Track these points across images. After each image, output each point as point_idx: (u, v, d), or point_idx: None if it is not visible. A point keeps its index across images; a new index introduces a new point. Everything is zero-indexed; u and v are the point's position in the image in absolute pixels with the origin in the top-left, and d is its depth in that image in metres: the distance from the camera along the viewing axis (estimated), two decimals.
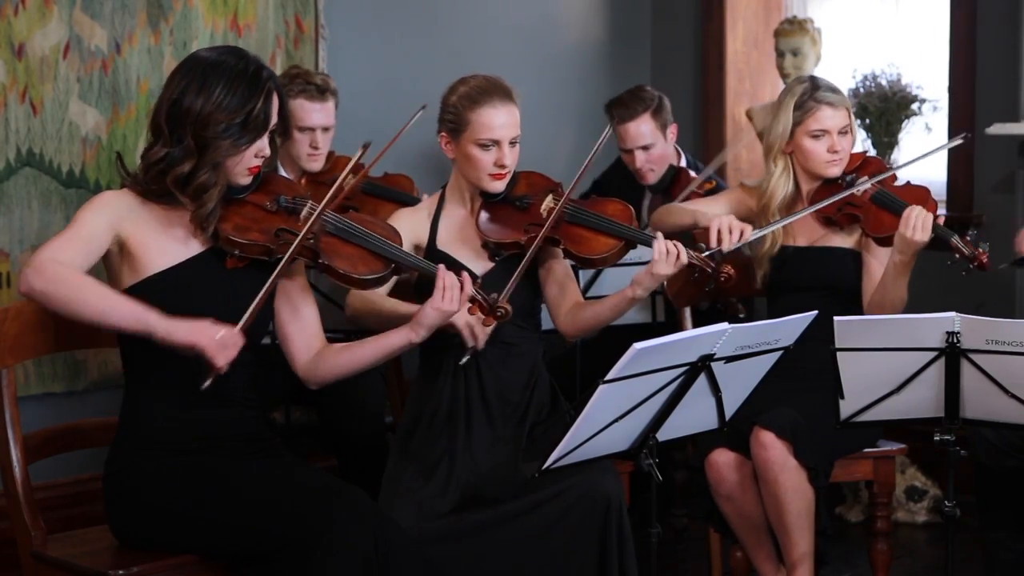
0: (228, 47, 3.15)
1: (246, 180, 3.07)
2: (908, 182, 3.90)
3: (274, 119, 3.05)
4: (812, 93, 3.90)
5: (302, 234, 3.03)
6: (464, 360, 3.34)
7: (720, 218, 3.73)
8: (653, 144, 4.65)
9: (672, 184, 4.68)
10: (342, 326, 4.12)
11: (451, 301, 3.12)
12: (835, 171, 3.89)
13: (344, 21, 4.94)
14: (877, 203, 3.80)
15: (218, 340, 2.88)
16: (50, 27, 4.18)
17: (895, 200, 3.77)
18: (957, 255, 3.67)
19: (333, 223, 3.12)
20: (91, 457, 3.36)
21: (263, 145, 3.04)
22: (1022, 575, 3.79)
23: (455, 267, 3.42)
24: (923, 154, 4.04)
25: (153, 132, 3.03)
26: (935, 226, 3.67)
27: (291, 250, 3.02)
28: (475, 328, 3.30)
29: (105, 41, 4.30)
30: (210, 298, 2.99)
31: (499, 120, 3.42)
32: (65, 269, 2.88)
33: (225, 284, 3.00)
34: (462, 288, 3.12)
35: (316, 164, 4.24)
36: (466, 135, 3.43)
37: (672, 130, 4.72)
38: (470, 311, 3.18)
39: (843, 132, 3.89)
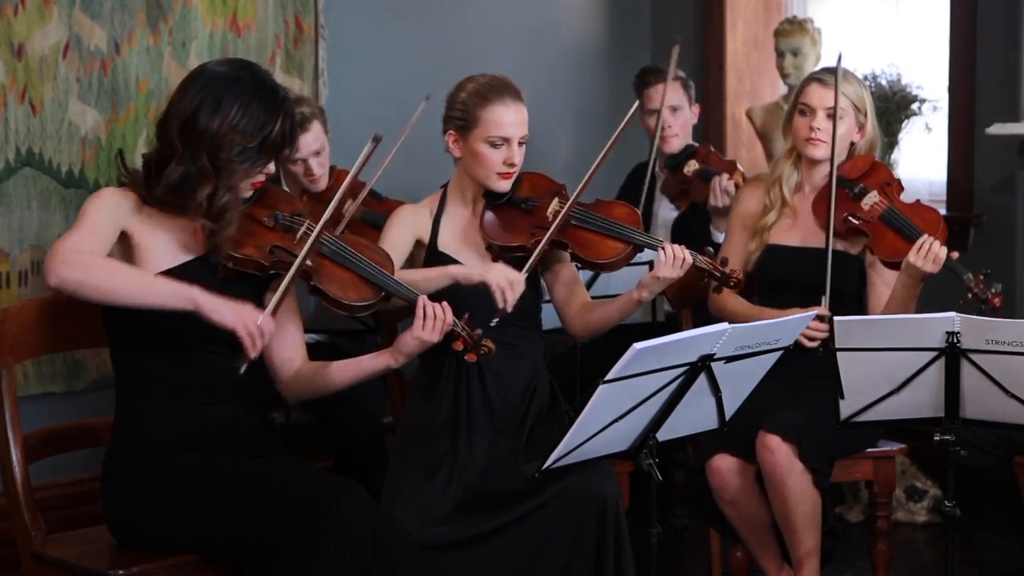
0: (240, 61, 3.13)
1: (248, 194, 3.08)
2: (918, 201, 3.84)
3: (288, 140, 3.05)
4: (816, 73, 3.92)
5: (300, 257, 3.00)
6: (494, 322, 3.29)
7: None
8: (681, 108, 4.74)
9: (690, 157, 4.71)
10: (333, 326, 4.11)
11: (430, 331, 3.11)
12: (813, 152, 3.83)
13: (344, 21, 4.93)
14: (886, 223, 3.74)
15: (256, 329, 2.91)
16: (50, 27, 4.18)
17: (907, 223, 3.70)
18: (970, 295, 3.58)
19: (329, 245, 3.12)
20: (91, 457, 3.36)
21: (271, 163, 3.06)
22: (1009, 571, 3.79)
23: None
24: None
25: (162, 143, 3.02)
26: (948, 261, 3.62)
27: (291, 274, 3.00)
28: (506, 291, 3.28)
29: (104, 41, 4.30)
30: None
31: (510, 118, 3.40)
32: (92, 256, 2.89)
33: (217, 292, 2.99)
34: (444, 319, 3.11)
35: (319, 186, 4.21)
36: (476, 132, 3.42)
37: (696, 109, 4.83)
38: (454, 346, 3.15)
39: (829, 114, 3.82)
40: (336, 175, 4.30)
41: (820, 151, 3.84)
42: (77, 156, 4.27)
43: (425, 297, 3.14)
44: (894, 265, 3.71)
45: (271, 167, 3.06)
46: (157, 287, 2.91)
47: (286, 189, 4.20)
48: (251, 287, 3.07)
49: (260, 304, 3.07)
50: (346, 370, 3.19)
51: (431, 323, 3.10)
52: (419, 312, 3.10)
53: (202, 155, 2.95)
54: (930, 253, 3.61)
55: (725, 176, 4.45)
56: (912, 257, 3.62)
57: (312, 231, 3.06)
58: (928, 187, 5.49)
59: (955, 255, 3.64)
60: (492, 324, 3.29)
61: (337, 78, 4.78)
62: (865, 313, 3.84)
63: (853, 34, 5.73)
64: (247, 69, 3.05)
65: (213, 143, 2.95)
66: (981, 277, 3.57)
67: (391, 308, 3.33)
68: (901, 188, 3.85)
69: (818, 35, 5.34)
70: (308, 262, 3.04)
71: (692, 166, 4.66)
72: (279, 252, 3.06)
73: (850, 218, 3.78)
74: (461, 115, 3.43)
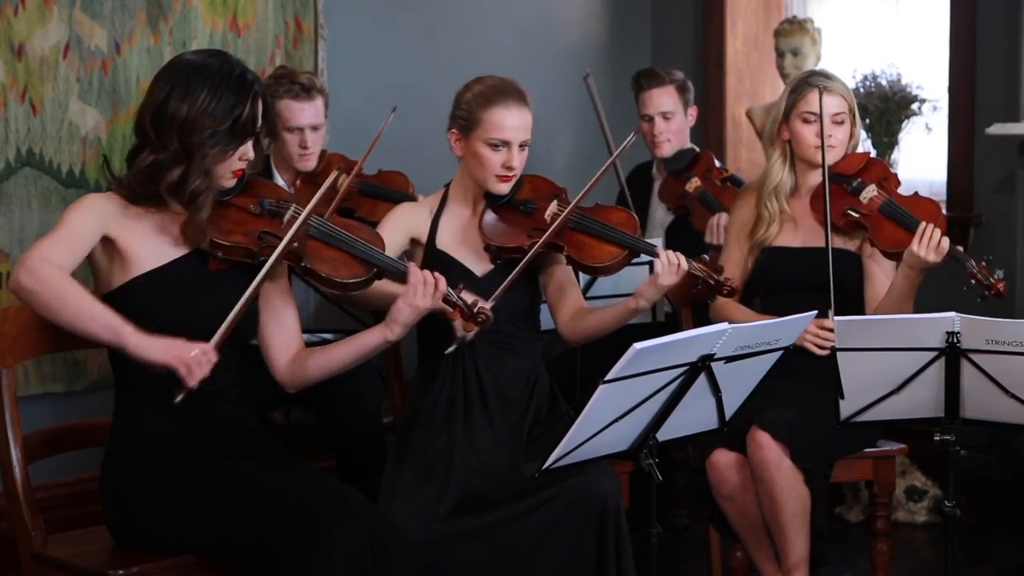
0: (212, 50, 3.16)
1: (230, 183, 3.07)
2: (916, 193, 3.84)
3: (260, 122, 3.05)
4: (808, 78, 3.91)
5: (287, 238, 3.01)
6: (450, 349, 3.34)
7: None
8: (674, 114, 4.74)
9: (691, 165, 4.72)
10: (341, 327, 4.11)
11: (423, 296, 3.11)
12: (826, 158, 3.84)
13: (344, 21, 4.93)
14: (886, 215, 3.75)
15: (192, 359, 2.88)
16: (50, 27, 4.18)
17: (906, 214, 3.70)
18: (973, 281, 3.58)
19: (316, 227, 3.12)
20: (91, 457, 3.36)
21: (247, 148, 3.04)
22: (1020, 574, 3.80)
23: (454, 268, 3.43)
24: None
25: (138, 135, 3.04)
26: (951, 249, 3.62)
27: (275, 254, 3.00)
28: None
29: (105, 41, 4.30)
30: (192, 299, 2.99)
31: (511, 121, 3.42)
32: (54, 272, 2.88)
33: (208, 285, 3.00)
34: (436, 286, 3.11)
35: (308, 164, 4.22)
36: (476, 133, 3.43)
37: (692, 112, 4.82)
38: (451, 316, 3.16)
39: (837, 121, 3.85)
40: (328, 159, 4.31)
41: (829, 157, 3.84)
42: (77, 156, 4.27)
43: (414, 265, 3.15)
44: (895, 255, 3.71)
45: (250, 153, 3.05)
46: (94, 319, 2.89)
47: (278, 180, 4.22)
48: (243, 277, 3.05)
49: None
50: (344, 348, 3.18)
51: (422, 288, 3.11)
52: (411, 279, 3.11)
53: (173, 139, 2.96)
54: (932, 241, 3.62)
55: (725, 216, 4.41)
56: (915, 246, 3.63)
57: (299, 215, 3.06)
58: (928, 187, 5.49)
59: (960, 248, 3.64)
60: (447, 352, 3.34)
61: (337, 78, 4.78)
62: (865, 308, 3.84)
63: (853, 34, 5.74)
64: (217, 56, 3.07)
65: (184, 127, 2.96)
66: (983, 264, 3.58)
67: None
68: (898, 182, 3.87)
69: (818, 35, 5.34)
70: (296, 244, 3.04)
71: (694, 183, 4.65)
72: (267, 238, 3.06)
73: (849, 212, 3.79)
74: (464, 115, 3.45)
